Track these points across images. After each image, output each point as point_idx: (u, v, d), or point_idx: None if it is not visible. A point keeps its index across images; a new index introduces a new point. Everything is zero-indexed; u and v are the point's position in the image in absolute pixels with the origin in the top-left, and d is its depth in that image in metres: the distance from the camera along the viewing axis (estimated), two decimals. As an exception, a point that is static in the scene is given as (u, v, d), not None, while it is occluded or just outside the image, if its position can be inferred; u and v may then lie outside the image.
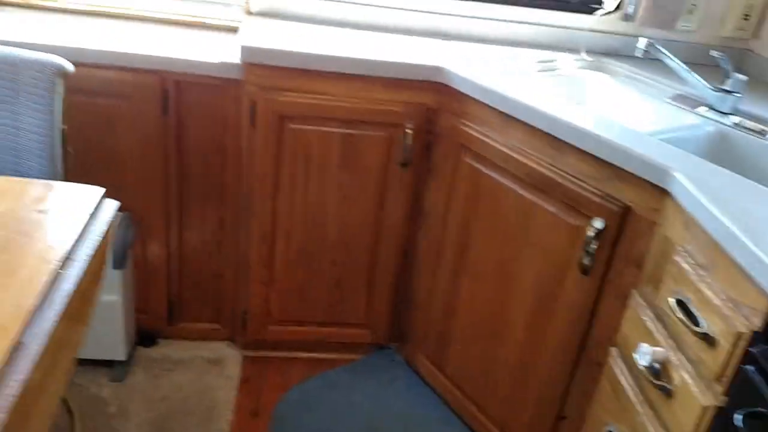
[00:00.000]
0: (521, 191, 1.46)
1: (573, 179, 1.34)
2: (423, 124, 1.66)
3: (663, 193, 1.19)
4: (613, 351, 1.30)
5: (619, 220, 1.27)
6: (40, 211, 1.00)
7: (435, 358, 1.82)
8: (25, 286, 0.83)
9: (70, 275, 0.89)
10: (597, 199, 1.30)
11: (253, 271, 1.82)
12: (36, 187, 1.07)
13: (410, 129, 1.63)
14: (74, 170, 1.45)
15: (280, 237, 1.77)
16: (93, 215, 1.02)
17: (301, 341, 1.95)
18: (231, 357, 1.92)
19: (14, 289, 0.82)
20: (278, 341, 1.95)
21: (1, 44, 1.35)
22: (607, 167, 1.28)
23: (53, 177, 1.36)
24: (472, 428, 1.73)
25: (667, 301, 1.13)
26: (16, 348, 0.74)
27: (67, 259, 0.91)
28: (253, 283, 1.83)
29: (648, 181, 1.21)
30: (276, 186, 1.70)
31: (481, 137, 1.53)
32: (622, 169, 1.25)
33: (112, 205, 1.08)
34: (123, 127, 1.63)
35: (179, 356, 1.88)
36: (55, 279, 0.87)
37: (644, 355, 1.12)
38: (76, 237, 0.95)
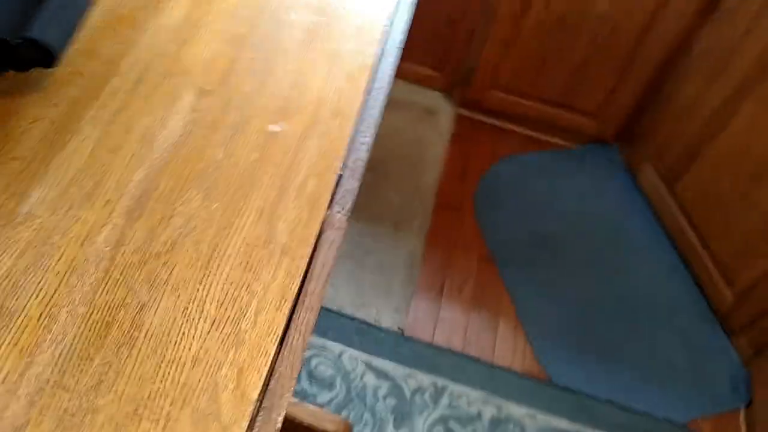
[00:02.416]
0: None
1: None
2: None
3: None
4: None
5: None
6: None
7: (666, 172, 1.65)
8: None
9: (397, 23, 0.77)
10: None
11: (497, 27, 1.63)
12: None
13: None
14: None
15: (540, -3, 1.54)
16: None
17: (519, 114, 1.82)
18: (445, 111, 1.84)
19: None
20: (496, 109, 1.82)
21: None
22: None
23: None
24: (685, 257, 1.62)
25: None
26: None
27: None
28: (490, 41, 1.66)
29: None
30: (560, -65, 1.43)
31: None
32: None
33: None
34: None
35: (399, 97, 1.81)
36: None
37: None
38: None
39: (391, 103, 1.78)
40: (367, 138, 0.64)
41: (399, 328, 1.40)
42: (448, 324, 1.44)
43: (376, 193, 1.61)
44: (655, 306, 1.54)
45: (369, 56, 0.68)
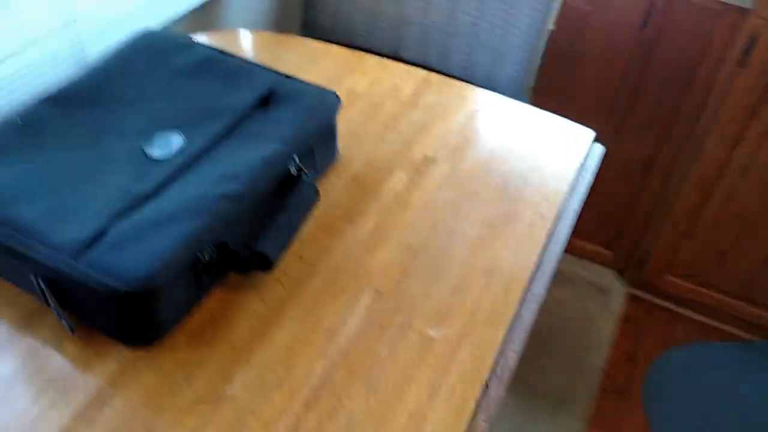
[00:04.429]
0: None
1: None
2: None
3: None
4: None
5: None
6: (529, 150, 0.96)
7: None
8: (524, 241, 0.81)
9: (560, 231, 0.85)
10: None
11: (673, 217, 1.64)
12: (518, 112, 1.03)
13: None
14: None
15: (719, 193, 1.54)
16: (583, 165, 0.95)
17: (697, 302, 1.76)
18: (616, 290, 1.83)
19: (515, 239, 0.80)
20: (672, 293, 1.78)
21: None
22: None
23: (521, 88, 1.32)
24: None
25: None
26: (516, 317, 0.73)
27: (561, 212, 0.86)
28: (667, 229, 1.67)
29: None
30: (738, 137, 1.45)
31: None
32: None
33: (598, 152, 1.00)
34: (592, 33, 1.50)
35: (567, 270, 1.85)
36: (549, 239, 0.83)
37: None
38: (567, 189, 0.90)
39: (558, 275, 1.82)
40: (517, 347, 0.71)
41: None
42: None
43: (536, 367, 1.62)
44: None
45: (525, 270, 0.77)
